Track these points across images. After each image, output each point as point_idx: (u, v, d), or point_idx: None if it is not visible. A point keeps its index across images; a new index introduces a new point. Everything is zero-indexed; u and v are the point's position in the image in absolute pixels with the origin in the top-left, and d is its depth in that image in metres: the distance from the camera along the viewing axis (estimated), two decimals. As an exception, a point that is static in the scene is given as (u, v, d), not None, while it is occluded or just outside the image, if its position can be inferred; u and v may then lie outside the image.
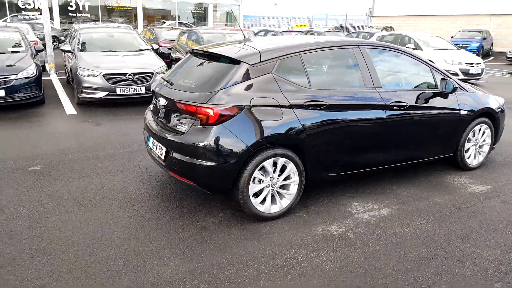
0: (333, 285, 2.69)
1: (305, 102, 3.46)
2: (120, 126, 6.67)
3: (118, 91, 7.78)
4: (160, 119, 3.74)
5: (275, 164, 3.43)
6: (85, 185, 4.23)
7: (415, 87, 4.28)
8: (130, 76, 7.87)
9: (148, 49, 9.39)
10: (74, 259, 2.92)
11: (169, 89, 3.65)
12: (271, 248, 3.11)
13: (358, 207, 3.82)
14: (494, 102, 4.79)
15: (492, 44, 24.39)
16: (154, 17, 32.22)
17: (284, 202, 3.56)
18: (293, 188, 3.56)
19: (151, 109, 4.15)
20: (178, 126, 3.42)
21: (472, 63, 12.23)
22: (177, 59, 10.36)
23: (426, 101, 4.16)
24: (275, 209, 3.52)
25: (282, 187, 3.54)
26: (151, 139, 3.89)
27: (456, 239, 3.28)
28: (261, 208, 3.45)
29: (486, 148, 4.89)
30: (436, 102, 4.24)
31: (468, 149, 4.71)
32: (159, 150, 3.66)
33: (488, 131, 4.81)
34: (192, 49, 4.11)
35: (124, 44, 9.32)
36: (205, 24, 31.90)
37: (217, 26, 29.53)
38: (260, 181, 3.40)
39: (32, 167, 4.72)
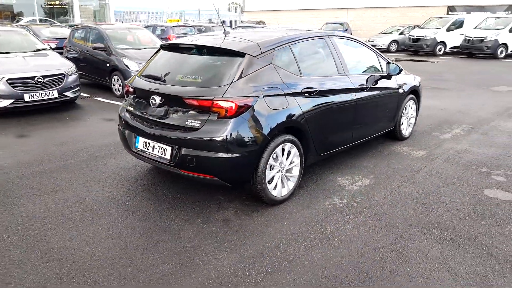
0: (371, 246, 3.06)
1: (302, 90, 3.73)
2: (50, 135, 5.98)
3: (27, 98, 6.91)
4: (155, 117, 3.59)
5: (282, 150, 3.63)
6: (62, 200, 3.81)
7: (367, 71, 4.89)
8: (39, 80, 7.04)
9: (46, 49, 8.44)
10: (134, 274, 2.72)
11: (166, 86, 3.54)
12: (299, 226, 3.34)
13: (344, 181, 4.27)
14: (417, 81, 5.73)
15: (351, 34, 27.76)
16: (2, 12, 28.32)
17: (290, 185, 3.80)
18: (296, 171, 3.82)
19: (129, 108, 3.92)
20: (188, 122, 3.36)
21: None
22: (75, 59, 9.50)
23: (376, 82, 4.79)
24: (284, 192, 3.74)
25: (287, 171, 3.77)
26: (142, 140, 3.72)
27: (432, 194, 3.96)
28: (275, 193, 3.64)
29: (413, 120, 5.84)
30: (384, 83, 4.92)
31: (402, 122, 5.57)
32: (161, 150, 3.54)
33: (414, 106, 5.75)
34: (171, 44, 4.01)
35: (17, 44, 8.19)
36: (67, 21, 29.11)
37: (86, 22, 27.30)
38: (271, 167, 3.57)
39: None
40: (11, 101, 6.81)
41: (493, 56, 18.09)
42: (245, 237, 3.18)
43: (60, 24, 18.82)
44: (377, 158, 4.97)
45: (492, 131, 6.25)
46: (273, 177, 3.62)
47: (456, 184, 4.19)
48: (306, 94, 3.77)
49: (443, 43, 20.19)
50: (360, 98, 4.43)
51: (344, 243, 3.09)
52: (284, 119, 3.53)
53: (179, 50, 3.96)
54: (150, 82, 3.72)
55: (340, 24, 26.11)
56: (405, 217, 3.49)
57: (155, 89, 3.57)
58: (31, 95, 6.94)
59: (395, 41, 22.47)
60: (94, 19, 31.15)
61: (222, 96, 3.24)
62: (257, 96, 3.36)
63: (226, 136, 3.23)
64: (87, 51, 9.57)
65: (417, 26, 22.34)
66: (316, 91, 3.86)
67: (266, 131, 3.38)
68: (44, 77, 7.11)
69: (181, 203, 3.76)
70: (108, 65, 8.94)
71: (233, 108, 3.23)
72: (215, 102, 3.24)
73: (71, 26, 16.69)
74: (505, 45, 18.33)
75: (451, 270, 2.75)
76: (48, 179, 4.30)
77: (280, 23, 19.94)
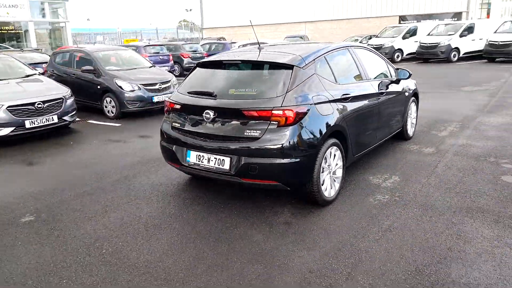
0: (430, 232, 3.37)
1: (341, 96, 4.03)
2: (63, 160, 5.90)
3: (28, 124, 6.75)
4: (209, 131, 3.74)
5: (329, 154, 3.90)
6: (118, 219, 3.85)
7: (380, 77, 5.28)
8: (39, 105, 6.91)
9: (36, 74, 8.27)
10: (231, 277, 2.84)
11: (220, 100, 3.72)
12: (358, 222, 3.60)
13: (376, 179, 4.59)
14: (414, 84, 6.22)
15: (312, 46, 28.80)
16: None
17: (336, 186, 4.06)
18: (339, 173, 4.10)
19: (176, 124, 4.04)
20: (247, 133, 3.54)
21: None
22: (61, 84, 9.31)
23: (388, 87, 5.21)
24: (332, 193, 3.99)
25: (333, 173, 4.03)
26: (194, 153, 3.85)
27: (458, 184, 4.36)
28: (326, 194, 3.88)
29: (414, 121, 6.32)
30: (394, 87, 5.34)
31: (408, 123, 6.02)
32: (218, 162, 3.69)
33: (415, 107, 6.24)
34: (211, 61, 4.20)
35: (5, 71, 7.96)
36: (21, 46, 28.04)
37: (42, 45, 26.44)
38: (322, 170, 3.82)
39: (22, 218, 3.97)
40: (12, 128, 6.62)
41: (447, 60, 19.49)
42: (314, 235, 3.39)
43: (29, 49, 18.20)
44: (394, 157, 5.36)
45: (481, 126, 6.86)
46: (324, 179, 3.86)
47: (475, 174, 4.63)
48: (343, 100, 4.07)
49: (400, 50, 21.51)
50: (381, 101, 4.80)
51: (406, 233, 3.38)
52: (332, 124, 3.80)
53: (219, 66, 4.16)
54: (199, 98, 3.88)
55: (300, 37, 27.05)
56: (447, 206, 3.84)
57: (209, 104, 3.73)
58: (32, 122, 6.79)
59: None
60: (50, 43, 30.24)
61: (281, 106, 3.47)
62: (310, 104, 3.62)
63: (288, 142, 3.45)
64: (74, 74, 9.42)
65: (374, 35, 23.62)
66: (351, 96, 4.18)
67: (319, 135, 3.64)
68: (44, 102, 6.98)
69: (236, 211, 3.91)
70: (99, 87, 8.87)
71: (292, 116, 3.46)
72: (274, 111, 3.46)
73: (36, 50, 16.25)
74: (457, 49, 19.82)
75: (510, 245, 3.11)
76: (90, 202, 4.30)
77: (250, 38, 20.42)
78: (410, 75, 5.40)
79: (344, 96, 4.08)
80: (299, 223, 3.62)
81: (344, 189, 4.31)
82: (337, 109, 3.93)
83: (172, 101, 4.13)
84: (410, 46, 21.54)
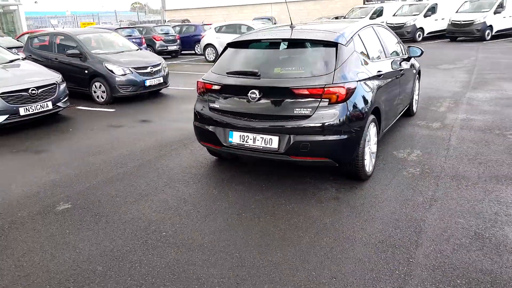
0: (473, 200, 3.59)
1: (376, 73, 4.14)
2: (71, 147, 5.67)
3: (22, 112, 6.41)
4: (255, 111, 3.74)
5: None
6: (162, 203, 3.80)
7: (395, 54, 5.44)
8: (33, 92, 6.55)
9: (19, 59, 7.78)
10: (305, 250, 2.91)
11: (267, 80, 3.71)
12: (402, 193, 3.76)
13: (401, 154, 4.79)
14: (417, 62, 6.47)
15: (279, 28, 28.80)
16: None
17: (373, 161, 4.20)
18: (374, 148, 4.24)
19: (215, 105, 3.99)
20: (297, 111, 3.58)
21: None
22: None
23: (401, 64, 5.38)
24: (370, 167, 4.13)
25: (370, 148, 4.16)
26: (237, 134, 3.84)
27: (477, 155, 4.63)
28: (367, 169, 4.02)
29: (417, 97, 6.58)
30: (406, 64, 5.52)
31: (413, 99, 6.27)
32: (266, 141, 3.71)
33: (418, 84, 6.49)
34: (248, 39, 4.16)
35: (-14, 55, 7.43)
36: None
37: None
38: (364, 145, 3.94)
39: (57, 206, 3.82)
40: (6, 116, 6.26)
41: (413, 40, 20.18)
42: (367, 208, 3.52)
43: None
44: (407, 132, 5.58)
45: (472, 101, 7.26)
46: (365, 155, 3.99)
47: (489, 145, 4.94)
48: (378, 77, 4.19)
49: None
50: (401, 78, 4.97)
51: (450, 201, 3.58)
52: (373, 101, 3.92)
53: (254, 46, 4.13)
54: (242, 78, 3.85)
55: (268, 19, 26.94)
56: (476, 175, 4.09)
57: (254, 83, 3.72)
58: (26, 109, 6.43)
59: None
60: (1, 28, 28.24)
61: (332, 83, 3.53)
62: (357, 81, 3.70)
63: (339, 119, 3.53)
64: (56, 59, 8.94)
65: (342, 16, 23.97)
66: (383, 73, 4.31)
67: (365, 111, 3.74)
68: (37, 88, 6.62)
69: (279, 189, 3.96)
70: (86, 71, 8.49)
71: (343, 93, 3.53)
72: (326, 89, 3.51)
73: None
74: (421, 29, 20.58)
75: (548, 206, 3.39)
76: (124, 187, 4.19)
77: (225, 20, 20.10)
78: (422, 53, 5.60)
79: (379, 73, 4.19)
80: (347, 198, 3.74)
81: (376, 165, 4.47)
82: (375, 86, 4.03)
83: (209, 81, 4.07)
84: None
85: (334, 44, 3.77)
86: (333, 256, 2.86)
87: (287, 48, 3.97)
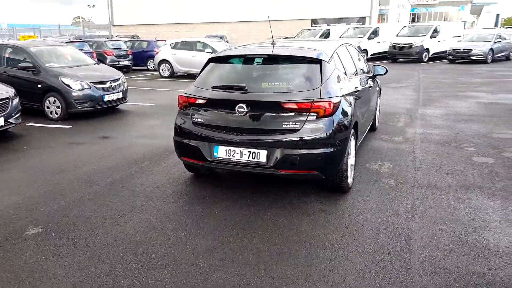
0: (450, 208, 3.79)
1: (354, 89, 4.29)
2: (28, 165, 5.27)
3: (-30, 128, 5.86)
4: (242, 125, 3.71)
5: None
6: (145, 220, 3.61)
7: (363, 71, 5.66)
8: (-17, 107, 6.03)
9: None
10: (310, 254, 2.88)
11: (255, 94, 3.71)
12: (384, 204, 3.88)
13: (373, 167, 4.95)
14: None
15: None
16: None
17: (352, 173, 4.31)
18: (353, 161, 4.36)
19: (199, 120, 3.92)
20: (286, 125, 3.60)
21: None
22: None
23: (368, 81, 5.64)
24: (351, 179, 4.23)
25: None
26: (223, 148, 3.79)
27: (443, 166, 4.92)
28: (349, 181, 4.11)
29: (378, 113, 6.90)
30: (372, 81, 5.79)
31: (376, 115, 6.56)
32: (253, 155, 3.69)
33: (379, 101, 6.81)
34: (230, 55, 4.15)
35: None
36: None
37: None
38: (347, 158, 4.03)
39: (26, 231, 3.50)
40: (-49, 134, 5.69)
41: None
42: (354, 219, 3.58)
43: None
44: (374, 146, 5.81)
45: (425, 117, 7.75)
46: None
47: (450, 157, 5.27)
48: (355, 93, 4.34)
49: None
50: (369, 94, 5.20)
51: (429, 210, 3.74)
52: (353, 115, 4.05)
53: (237, 61, 4.13)
54: (228, 92, 3.82)
55: (220, 37, 27.12)
56: (447, 185, 4.34)
57: (242, 98, 3.70)
58: (-25, 125, 5.91)
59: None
60: None
61: (320, 98, 3.60)
62: (340, 96, 3.81)
63: (326, 133, 3.60)
64: (5, 72, 8.34)
65: (291, 37, 24.74)
66: (359, 90, 4.47)
67: (348, 125, 3.86)
68: (-12, 103, 6.12)
69: (265, 204, 3.93)
70: (39, 86, 7.99)
71: (330, 107, 3.62)
72: (315, 103, 3.58)
73: None
74: (366, 51, 21.74)
75: (517, 212, 3.66)
76: (99, 207, 3.95)
77: (180, 36, 19.96)
78: (387, 71, 5.90)
79: (356, 89, 4.35)
80: (333, 210, 3.79)
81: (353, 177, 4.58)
82: (353, 101, 4.17)
83: (192, 95, 3.99)
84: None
85: (318, 61, 3.86)
86: (333, 268, 2.87)
87: (272, 64, 4.01)
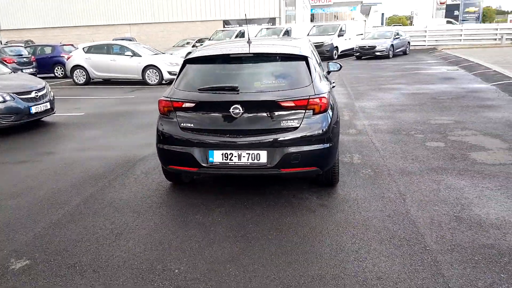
0: (431, 189, 4.14)
1: (332, 84, 4.44)
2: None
3: None
4: (239, 126, 3.61)
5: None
6: (143, 236, 3.34)
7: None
8: None
9: None
10: (322, 254, 2.90)
11: (249, 94, 3.64)
12: (374, 191, 4.09)
13: (345, 159, 5.18)
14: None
15: (140, 49, 27.89)
16: None
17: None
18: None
19: (188, 125, 3.72)
20: (284, 123, 3.60)
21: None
22: None
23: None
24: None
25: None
26: (218, 152, 3.67)
27: (405, 153, 5.34)
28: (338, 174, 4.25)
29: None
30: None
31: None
32: (253, 156, 3.62)
33: (329, 96, 7.12)
34: (210, 55, 4.00)
35: None
36: None
37: None
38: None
39: (10, 265, 3.02)
40: None
41: None
42: (357, 209, 3.72)
43: None
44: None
45: (364, 109, 8.31)
46: (334, 160, 4.21)
47: (407, 144, 5.73)
48: (331, 88, 4.49)
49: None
50: (332, 91, 5.42)
51: (416, 194, 4.03)
52: (337, 110, 4.19)
53: (217, 61, 4.01)
54: (220, 93, 3.69)
55: (130, 39, 25.89)
56: (418, 169, 4.71)
57: (237, 99, 3.60)
58: None
59: (190, 53, 24.04)
60: None
61: (315, 94, 3.66)
62: (329, 92, 3.91)
63: (323, 129, 3.67)
64: None
65: (206, 38, 24.60)
66: (333, 86, 4.64)
67: (338, 120, 4.00)
68: None
69: (265, 205, 3.89)
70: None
71: (325, 103, 3.70)
72: (311, 100, 3.62)
73: None
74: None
75: (489, 188, 4.11)
76: (85, 228, 3.56)
77: (93, 40, 18.59)
78: (341, 67, 6.18)
79: (333, 85, 4.50)
80: (332, 203, 3.89)
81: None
82: (333, 97, 4.32)
83: (178, 99, 3.77)
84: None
85: (303, 58, 3.91)
86: (363, 258, 2.95)
87: (257, 62, 3.96)
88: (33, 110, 7.36)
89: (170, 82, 13.95)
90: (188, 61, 4.08)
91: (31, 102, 7.36)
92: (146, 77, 13.94)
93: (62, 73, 17.22)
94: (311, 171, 3.78)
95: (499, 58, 16.98)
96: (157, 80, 13.91)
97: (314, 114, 3.66)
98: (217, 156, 3.68)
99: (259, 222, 3.55)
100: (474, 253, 2.95)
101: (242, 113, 3.59)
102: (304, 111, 3.63)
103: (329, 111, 3.78)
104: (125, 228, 3.53)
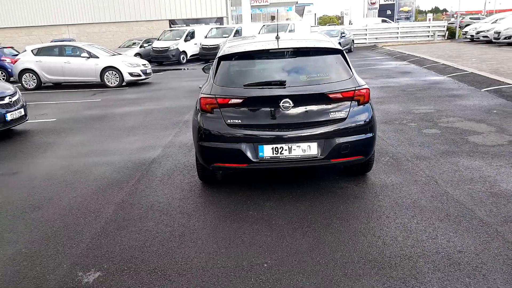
0: (443, 171, 4.46)
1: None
2: None
3: None
4: (289, 120, 3.65)
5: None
6: (212, 237, 3.28)
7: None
8: None
9: None
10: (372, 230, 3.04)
11: (296, 88, 3.69)
12: (402, 176, 4.33)
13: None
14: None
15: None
16: None
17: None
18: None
19: (235, 121, 3.68)
20: (332, 115, 3.69)
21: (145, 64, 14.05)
22: None
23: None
24: (366, 161, 4.55)
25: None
26: (268, 147, 3.67)
27: (409, 140, 5.68)
28: (370, 162, 4.43)
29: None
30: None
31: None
32: (303, 149, 3.68)
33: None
34: (249, 52, 3.98)
35: None
36: None
37: None
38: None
39: (81, 278, 2.82)
40: None
41: (178, 62, 21.68)
42: (399, 193, 3.92)
43: None
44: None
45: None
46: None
47: (407, 132, 6.07)
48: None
49: (184, 52, 22.66)
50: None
51: (443, 175, 4.32)
52: (369, 101, 4.37)
53: (253, 57, 4.01)
54: (267, 88, 3.70)
55: (69, 40, 24.45)
56: (430, 154, 5.03)
57: (286, 93, 3.63)
58: None
59: (138, 54, 23.26)
60: None
61: (359, 86, 3.80)
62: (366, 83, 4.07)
63: (367, 119, 3.82)
64: None
65: (154, 38, 23.96)
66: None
67: (374, 110, 4.14)
68: None
69: (307, 199, 3.96)
70: None
71: (368, 94, 3.85)
72: (357, 91, 3.76)
73: None
74: (185, 52, 22.25)
75: (499, 166, 4.52)
76: (139, 233, 3.39)
77: (41, 41, 17.19)
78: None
79: (356, 77, 4.67)
80: (375, 190, 4.05)
81: (353, 160, 4.92)
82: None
83: (224, 96, 3.71)
84: (192, 48, 22.97)
85: (339, 51, 4.03)
86: (434, 235, 3.13)
87: (295, 57, 4.00)
88: (9, 117, 6.76)
89: (132, 84, 13.43)
90: (222, 58, 4.02)
91: (5, 108, 6.75)
92: (105, 79, 13.29)
93: (3, 78, 15.86)
94: (357, 160, 3.90)
95: (440, 52, 18.43)
96: (117, 82, 13.31)
97: (359, 105, 3.79)
98: (267, 151, 3.68)
99: (315, 213, 3.61)
100: (524, 222, 3.26)
101: (292, 107, 3.63)
102: (350, 102, 3.75)
103: (370, 102, 3.93)
104: (184, 229, 3.42)
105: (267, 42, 4.20)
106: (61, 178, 4.83)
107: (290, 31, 22.65)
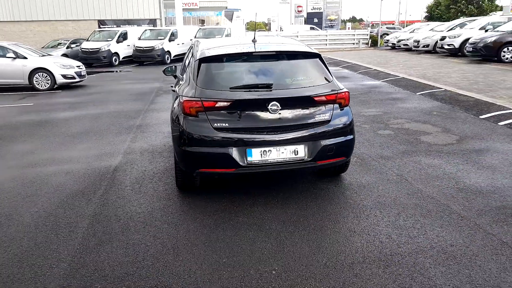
0: (414, 169, 4.74)
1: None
2: None
3: None
4: (277, 123, 3.63)
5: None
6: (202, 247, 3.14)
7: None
8: None
9: None
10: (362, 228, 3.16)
11: (282, 91, 3.69)
12: (375, 175, 4.51)
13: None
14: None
15: None
16: None
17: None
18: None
19: (222, 125, 3.57)
20: (318, 117, 3.74)
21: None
22: None
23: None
24: (339, 162, 4.67)
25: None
26: (257, 150, 3.63)
27: (366, 141, 5.95)
28: (345, 163, 4.54)
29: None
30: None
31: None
32: (291, 151, 3.68)
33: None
34: (232, 54, 3.89)
35: None
36: None
37: None
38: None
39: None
40: None
41: (162, 62, 21.22)
42: (378, 192, 4.07)
43: None
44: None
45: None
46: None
47: (363, 133, 6.34)
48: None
49: (117, 54, 21.60)
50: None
51: (411, 173, 4.58)
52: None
53: (239, 59, 3.93)
54: (254, 91, 3.64)
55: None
56: (392, 154, 5.32)
57: (274, 95, 3.60)
58: None
59: (65, 55, 21.73)
60: None
61: (340, 89, 3.89)
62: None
63: (349, 121, 3.94)
64: None
65: (83, 39, 22.60)
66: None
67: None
68: None
69: (293, 202, 3.97)
70: None
71: (348, 97, 3.95)
72: (339, 94, 3.84)
73: None
74: (169, 52, 21.96)
75: (458, 164, 4.90)
76: (127, 247, 3.14)
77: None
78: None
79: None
80: (354, 190, 4.16)
81: (324, 162, 5.03)
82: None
83: (210, 99, 3.58)
84: (125, 50, 21.96)
85: (317, 55, 4.10)
86: (423, 231, 3.29)
87: (276, 60, 3.99)
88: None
89: (65, 87, 12.49)
90: (203, 60, 3.88)
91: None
92: (35, 82, 12.21)
93: None
94: (340, 161, 3.99)
95: (368, 59, 19.59)
96: (48, 85, 12.29)
97: (340, 107, 3.88)
98: (255, 155, 3.62)
99: (305, 215, 3.62)
100: (498, 213, 3.56)
101: (279, 110, 3.61)
102: (333, 105, 3.83)
103: (349, 104, 4.04)
104: (176, 241, 3.23)
105: (247, 45, 4.14)
106: (15, 191, 4.32)
107: (226, 35, 22.66)
